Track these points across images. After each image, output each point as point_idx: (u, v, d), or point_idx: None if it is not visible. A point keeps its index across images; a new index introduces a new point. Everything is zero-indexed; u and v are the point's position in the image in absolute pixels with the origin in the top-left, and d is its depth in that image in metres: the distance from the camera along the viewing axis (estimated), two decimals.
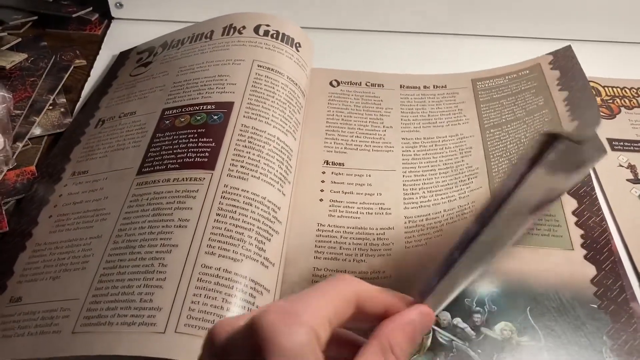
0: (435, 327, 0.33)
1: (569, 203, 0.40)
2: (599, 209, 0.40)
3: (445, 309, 0.34)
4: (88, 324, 0.30)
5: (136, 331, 0.29)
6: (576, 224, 0.39)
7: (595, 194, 0.41)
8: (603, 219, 0.40)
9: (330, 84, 0.49)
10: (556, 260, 0.37)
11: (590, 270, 0.36)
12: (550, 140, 0.17)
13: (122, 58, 0.52)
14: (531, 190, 0.18)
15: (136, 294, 0.31)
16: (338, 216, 0.39)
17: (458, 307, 0.34)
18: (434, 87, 0.50)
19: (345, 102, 0.48)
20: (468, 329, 0.33)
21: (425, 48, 0.55)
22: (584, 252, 0.37)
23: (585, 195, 0.41)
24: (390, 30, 0.56)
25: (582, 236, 0.38)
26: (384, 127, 0.46)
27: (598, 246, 0.38)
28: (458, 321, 0.34)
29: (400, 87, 0.49)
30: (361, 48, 0.55)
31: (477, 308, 0.34)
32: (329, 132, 0.45)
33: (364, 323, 0.21)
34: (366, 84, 0.49)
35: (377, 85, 0.49)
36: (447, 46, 0.56)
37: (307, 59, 0.47)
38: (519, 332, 0.34)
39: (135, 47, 0.52)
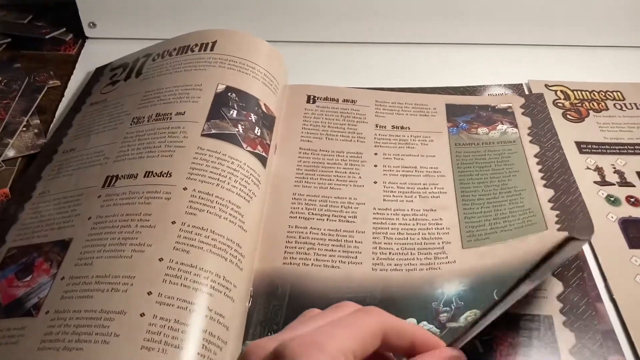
0: None
1: None
2: None
3: (412, 316, 0.35)
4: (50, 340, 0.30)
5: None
6: None
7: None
8: None
9: (307, 100, 0.49)
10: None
11: (557, 287, 0.37)
12: (566, 241, 0.22)
13: (97, 74, 0.52)
14: (542, 274, 0.23)
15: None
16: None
17: (424, 312, 0.35)
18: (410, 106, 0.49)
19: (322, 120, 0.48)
20: (433, 329, 0.34)
21: (402, 58, 0.56)
22: None
23: None
24: (367, 42, 0.57)
25: None
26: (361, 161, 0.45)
27: (566, 262, 0.38)
28: (424, 324, 0.34)
29: (376, 103, 0.49)
30: (337, 61, 0.55)
31: (445, 308, 0.35)
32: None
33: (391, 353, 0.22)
34: (343, 101, 0.49)
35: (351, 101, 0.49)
36: (423, 56, 0.56)
37: (277, 76, 0.48)
38: None
39: (110, 63, 0.52)
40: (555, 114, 0.50)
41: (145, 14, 0.55)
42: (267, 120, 0.44)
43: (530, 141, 0.46)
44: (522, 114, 0.48)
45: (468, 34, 0.57)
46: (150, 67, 0.48)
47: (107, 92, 0.48)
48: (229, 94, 0.43)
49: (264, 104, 0.44)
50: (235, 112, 0.42)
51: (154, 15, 0.55)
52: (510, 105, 0.49)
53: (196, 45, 0.47)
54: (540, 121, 0.48)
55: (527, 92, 0.52)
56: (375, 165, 0.44)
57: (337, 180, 0.43)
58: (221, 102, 0.42)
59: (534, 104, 0.49)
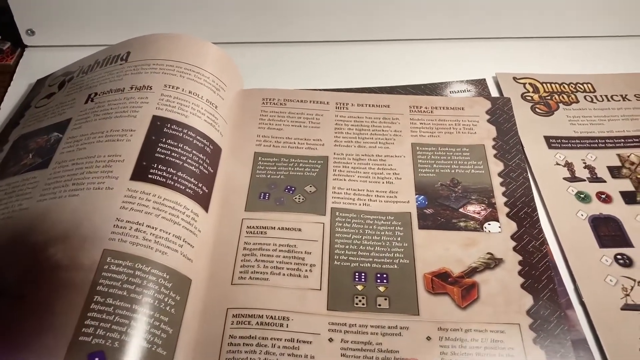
0: None
1: (509, 226, 0.37)
2: (540, 231, 0.37)
3: None
4: None
5: None
6: (514, 249, 0.36)
7: (537, 215, 0.38)
8: (543, 243, 0.37)
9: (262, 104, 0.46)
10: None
11: (527, 300, 0.34)
12: None
13: (38, 86, 0.49)
14: None
15: None
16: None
17: None
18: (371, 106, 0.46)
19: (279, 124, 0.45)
20: None
21: (359, 57, 0.53)
22: (522, 280, 0.35)
23: (525, 217, 0.38)
24: (321, 41, 0.54)
25: (520, 263, 0.35)
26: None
27: (537, 273, 0.35)
28: None
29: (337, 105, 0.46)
30: (292, 61, 0.53)
31: None
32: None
33: None
34: (299, 101, 0.46)
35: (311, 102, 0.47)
36: (382, 54, 0.54)
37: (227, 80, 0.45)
38: None
39: (52, 73, 0.49)
40: (524, 108, 0.47)
41: (88, 19, 0.52)
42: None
43: (495, 155, 0.42)
44: (488, 120, 0.45)
45: (429, 29, 0.54)
46: (78, 82, 0.44)
47: (41, 107, 0.45)
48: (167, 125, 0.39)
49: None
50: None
51: (97, 20, 0.52)
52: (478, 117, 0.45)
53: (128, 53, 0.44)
54: (505, 132, 0.44)
55: (493, 87, 0.49)
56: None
57: None
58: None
59: (500, 109, 0.46)
